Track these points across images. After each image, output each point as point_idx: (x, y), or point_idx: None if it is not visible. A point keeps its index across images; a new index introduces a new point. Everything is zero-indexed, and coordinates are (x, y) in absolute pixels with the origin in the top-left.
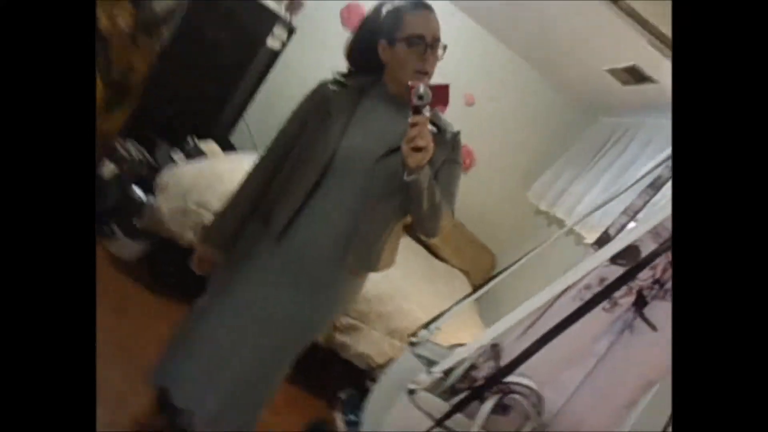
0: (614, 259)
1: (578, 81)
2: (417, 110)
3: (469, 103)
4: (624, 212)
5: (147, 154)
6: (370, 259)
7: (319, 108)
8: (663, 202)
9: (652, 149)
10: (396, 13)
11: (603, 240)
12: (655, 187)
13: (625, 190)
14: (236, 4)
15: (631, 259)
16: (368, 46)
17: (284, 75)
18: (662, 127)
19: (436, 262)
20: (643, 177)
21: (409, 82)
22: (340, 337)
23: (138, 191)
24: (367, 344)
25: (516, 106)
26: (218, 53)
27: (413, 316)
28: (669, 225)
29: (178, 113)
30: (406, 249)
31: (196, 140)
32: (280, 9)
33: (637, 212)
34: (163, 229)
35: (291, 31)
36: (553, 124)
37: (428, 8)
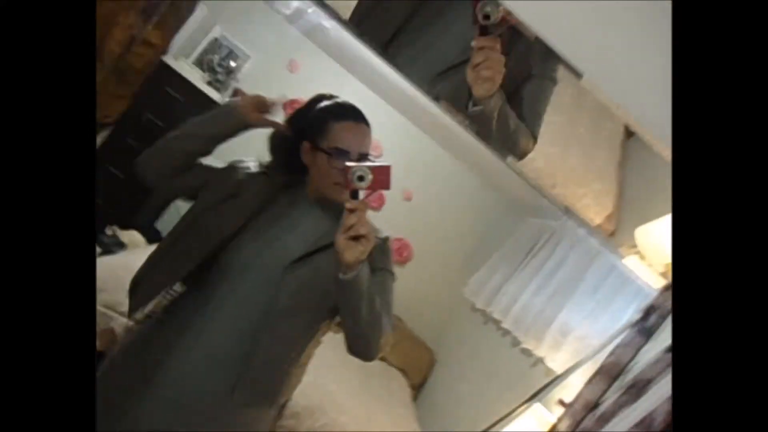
0: None
1: (506, 184)
2: (355, 194)
3: (407, 198)
4: (599, 372)
5: None
6: (270, 391)
7: (223, 190)
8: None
9: (576, 254)
10: (323, 117)
11: None
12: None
13: None
14: (180, 93)
15: None
16: (291, 144)
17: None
18: (584, 234)
19: None
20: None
21: (346, 163)
22: None
23: None
24: None
25: (452, 203)
26: (155, 138)
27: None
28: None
29: (100, 199)
30: (339, 346)
31: (116, 230)
32: (223, 100)
33: (614, 377)
34: None
35: None
36: (487, 222)
37: (359, 119)
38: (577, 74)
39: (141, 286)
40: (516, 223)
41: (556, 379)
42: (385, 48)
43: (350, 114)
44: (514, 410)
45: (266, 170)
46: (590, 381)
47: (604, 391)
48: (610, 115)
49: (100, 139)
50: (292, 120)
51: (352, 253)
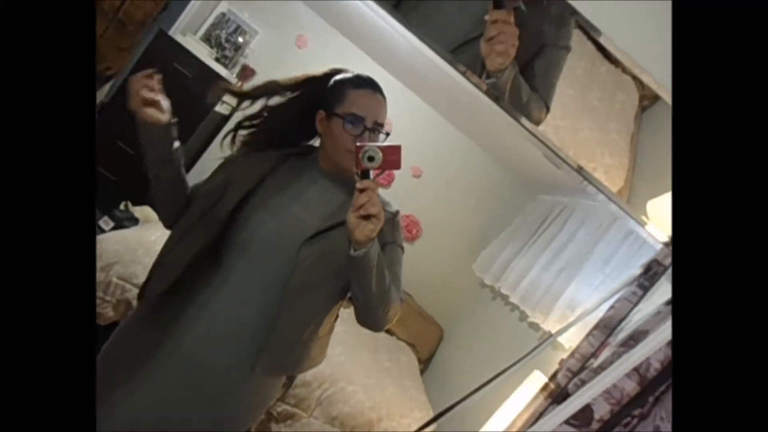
0: (568, 421)
1: (518, 161)
2: (366, 174)
3: (417, 175)
4: (597, 326)
5: None
6: (290, 362)
7: (229, 176)
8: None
9: (586, 230)
10: (341, 85)
11: (558, 394)
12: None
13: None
14: (187, 68)
15: (584, 422)
16: (306, 111)
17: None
18: (594, 209)
19: (380, 333)
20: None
21: (357, 143)
22: (276, 427)
23: None
24: None
25: (461, 180)
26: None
27: (356, 400)
28: (623, 387)
29: (113, 175)
30: (349, 319)
31: (129, 205)
32: (231, 76)
33: (612, 329)
34: None
35: None
36: (496, 199)
37: (376, 88)
38: (596, 31)
39: (150, 280)
40: (526, 200)
41: (549, 338)
42: (395, 8)
43: (368, 84)
44: (507, 369)
45: (241, 156)
46: (588, 335)
47: (602, 343)
48: (624, 87)
49: (101, 94)
50: (306, 89)
51: (362, 231)
